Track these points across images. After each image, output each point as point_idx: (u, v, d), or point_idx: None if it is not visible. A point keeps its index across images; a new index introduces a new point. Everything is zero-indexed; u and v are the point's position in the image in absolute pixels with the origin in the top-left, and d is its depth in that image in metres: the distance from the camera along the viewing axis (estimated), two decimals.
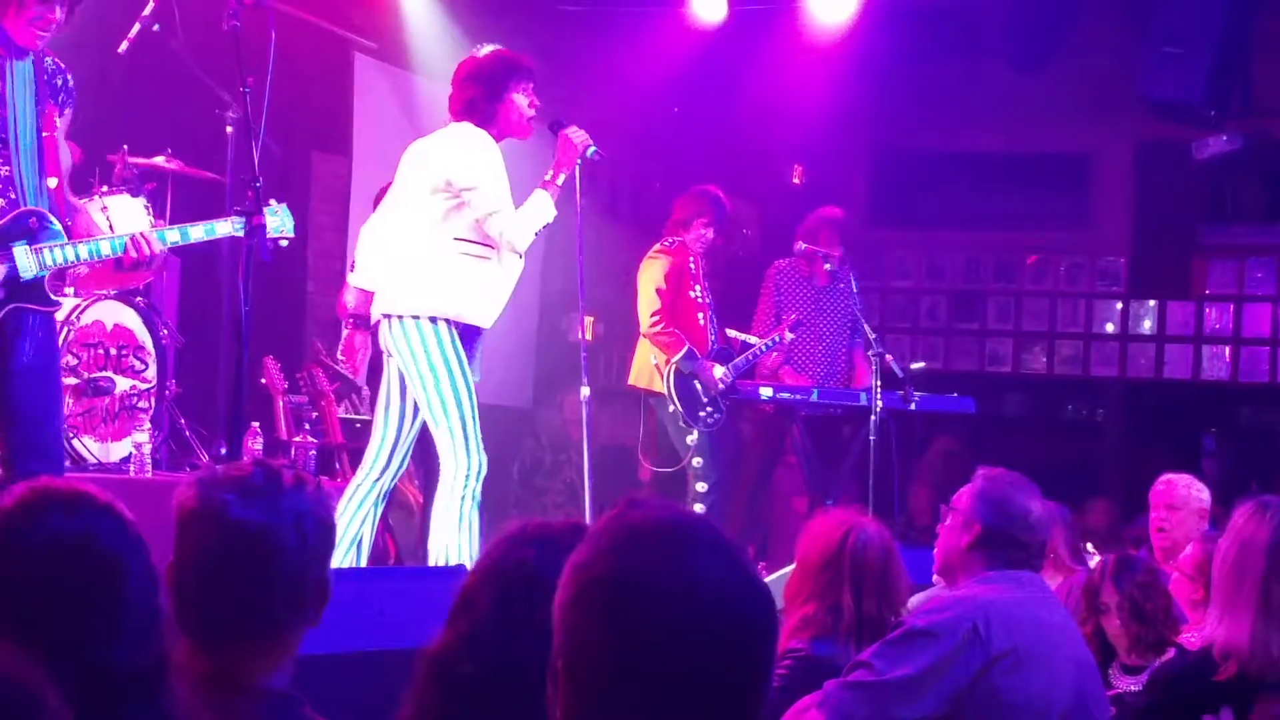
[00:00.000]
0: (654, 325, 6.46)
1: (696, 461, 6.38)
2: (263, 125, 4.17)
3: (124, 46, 5.09)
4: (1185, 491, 5.15)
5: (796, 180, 9.55)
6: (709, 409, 6.45)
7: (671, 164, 8.99)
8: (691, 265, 6.61)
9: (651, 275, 6.56)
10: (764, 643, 1.40)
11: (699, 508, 6.23)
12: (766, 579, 4.54)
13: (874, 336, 6.38)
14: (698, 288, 6.60)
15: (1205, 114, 8.67)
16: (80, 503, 1.77)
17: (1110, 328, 10.38)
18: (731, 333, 6.84)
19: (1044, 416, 10.54)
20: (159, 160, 5.57)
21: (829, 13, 8.70)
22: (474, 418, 4.66)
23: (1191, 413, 10.17)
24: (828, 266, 6.83)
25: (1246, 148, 9.08)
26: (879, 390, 6.19)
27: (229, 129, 5.27)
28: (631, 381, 6.72)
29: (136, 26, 5.02)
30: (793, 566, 3.56)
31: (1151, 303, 10.23)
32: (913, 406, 6.51)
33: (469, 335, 4.76)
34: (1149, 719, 3.29)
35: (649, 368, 6.54)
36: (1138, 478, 9.24)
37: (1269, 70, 9.06)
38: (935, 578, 3.59)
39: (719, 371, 6.46)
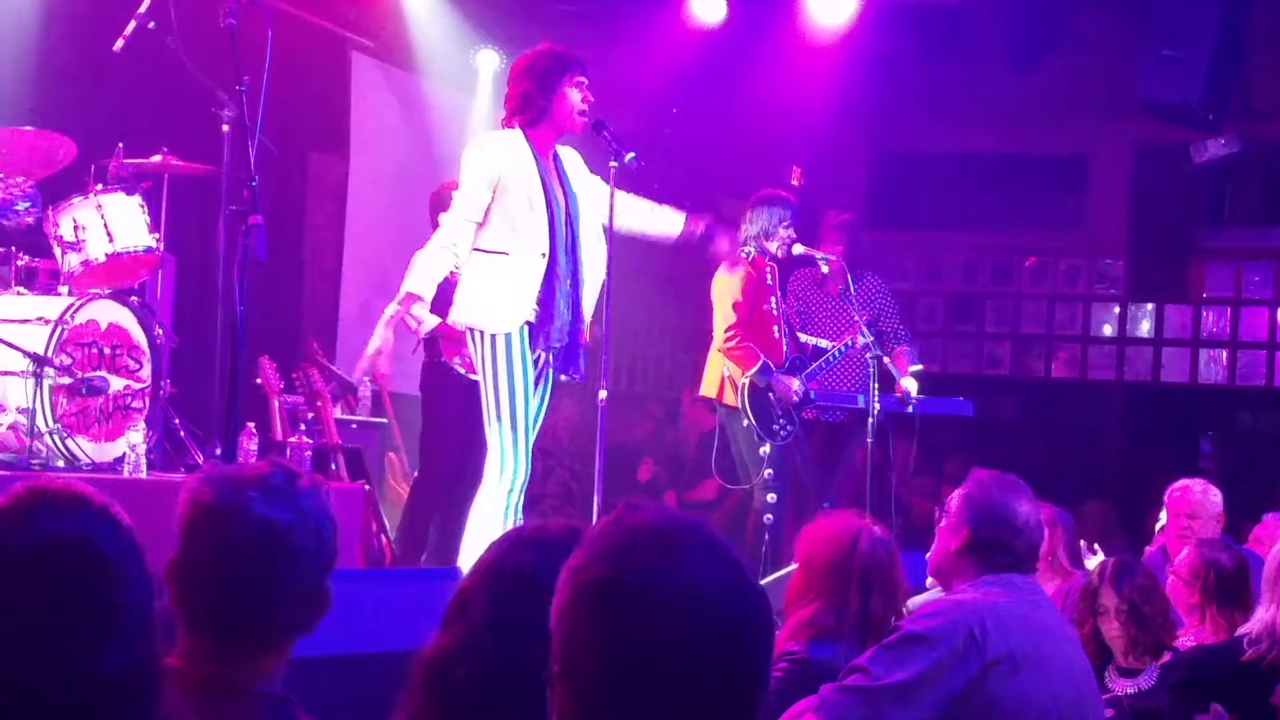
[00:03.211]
0: (729, 341, 6.29)
1: (768, 473, 6.28)
2: (259, 124, 4.15)
3: (119, 45, 5.05)
4: (1202, 498, 5.23)
5: (795, 182, 9.52)
6: (783, 421, 6.32)
7: (669, 165, 8.98)
8: (769, 278, 6.43)
9: (730, 288, 6.35)
10: (759, 646, 1.39)
11: (768, 518, 6.18)
12: (763, 581, 4.52)
13: (870, 340, 6.35)
14: (773, 299, 6.43)
15: (1203, 117, 8.67)
16: (75, 503, 1.71)
17: (1108, 330, 10.38)
18: (804, 338, 6.73)
19: (1041, 420, 10.52)
20: (155, 159, 5.55)
21: (828, 14, 8.70)
22: (516, 427, 4.59)
23: (1189, 416, 10.17)
24: (824, 269, 6.77)
25: (1244, 151, 9.07)
26: (877, 393, 6.18)
27: (225, 128, 5.23)
28: (702, 392, 6.59)
29: (132, 24, 4.98)
30: (792, 568, 3.54)
31: (1149, 306, 10.22)
32: (910, 409, 6.49)
33: (534, 337, 4.69)
34: (1174, 693, 3.69)
35: (721, 380, 6.39)
36: (1135, 481, 9.28)
37: (1267, 73, 9.06)
38: (929, 581, 3.58)
39: (795, 384, 6.31)
